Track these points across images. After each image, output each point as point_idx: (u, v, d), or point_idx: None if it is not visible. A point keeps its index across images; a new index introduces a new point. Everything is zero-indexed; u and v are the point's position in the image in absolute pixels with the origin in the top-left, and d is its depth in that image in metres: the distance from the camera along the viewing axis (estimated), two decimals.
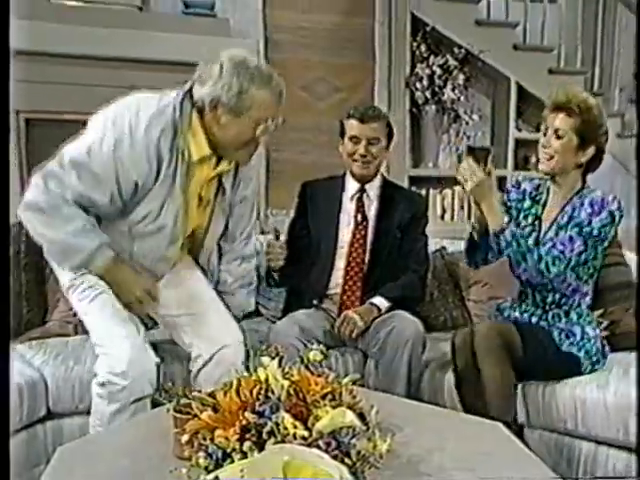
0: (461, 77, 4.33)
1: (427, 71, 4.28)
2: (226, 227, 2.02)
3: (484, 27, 4.36)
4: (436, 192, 4.38)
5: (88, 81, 3.48)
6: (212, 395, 1.38)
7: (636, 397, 1.85)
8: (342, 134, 2.41)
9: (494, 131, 4.66)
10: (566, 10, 4.69)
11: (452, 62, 4.30)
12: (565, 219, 2.04)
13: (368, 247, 2.38)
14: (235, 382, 1.29)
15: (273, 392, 1.25)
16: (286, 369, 1.39)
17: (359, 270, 2.36)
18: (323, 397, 1.29)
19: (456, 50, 4.32)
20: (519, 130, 4.56)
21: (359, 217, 2.41)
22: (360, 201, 2.43)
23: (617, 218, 1.99)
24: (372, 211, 2.43)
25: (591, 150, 2.00)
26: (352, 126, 2.35)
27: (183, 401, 1.38)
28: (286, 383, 1.25)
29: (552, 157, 2.00)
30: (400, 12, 4.18)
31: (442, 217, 4.35)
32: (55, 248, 1.74)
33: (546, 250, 1.99)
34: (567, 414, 1.99)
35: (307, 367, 1.45)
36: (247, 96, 1.67)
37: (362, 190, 2.44)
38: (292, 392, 1.29)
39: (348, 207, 2.44)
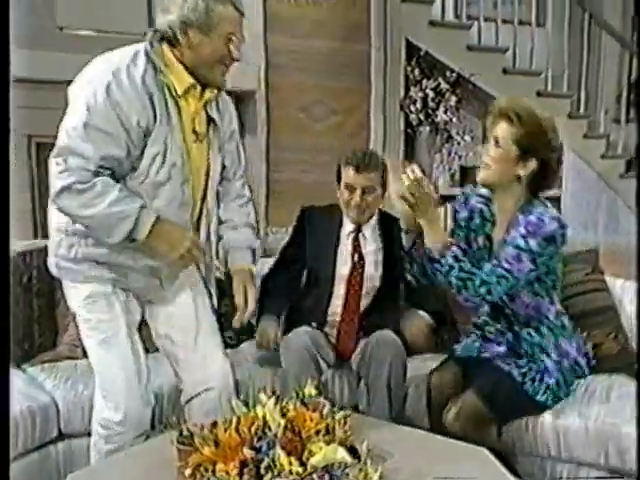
0: (453, 99, 4.39)
1: (420, 94, 4.34)
2: (223, 168, 1.99)
3: (475, 52, 4.41)
4: None
5: None
6: (214, 424, 1.43)
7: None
8: (339, 179, 2.39)
9: None
10: (553, 35, 4.75)
11: (444, 85, 4.35)
12: (508, 237, 1.90)
13: (366, 284, 2.38)
14: (235, 419, 1.33)
15: (270, 429, 1.29)
16: (284, 403, 1.44)
17: (357, 305, 2.38)
18: (317, 432, 1.33)
19: (448, 74, 4.37)
20: None
21: (356, 257, 2.39)
22: (356, 240, 2.41)
23: (559, 236, 1.84)
24: (368, 249, 2.41)
25: (532, 163, 1.84)
26: (348, 174, 2.32)
27: (185, 434, 1.42)
28: (282, 421, 1.30)
29: (489, 166, 1.87)
30: (395, 38, 4.23)
31: None
32: (99, 224, 1.67)
33: (488, 270, 1.84)
34: (550, 442, 2.01)
35: (303, 402, 1.51)
36: (214, 13, 1.68)
37: (358, 230, 2.42)
38: (289, 427, 1.34)
39: (345, 243, 2.42)
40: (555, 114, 4.48)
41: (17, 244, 2.58)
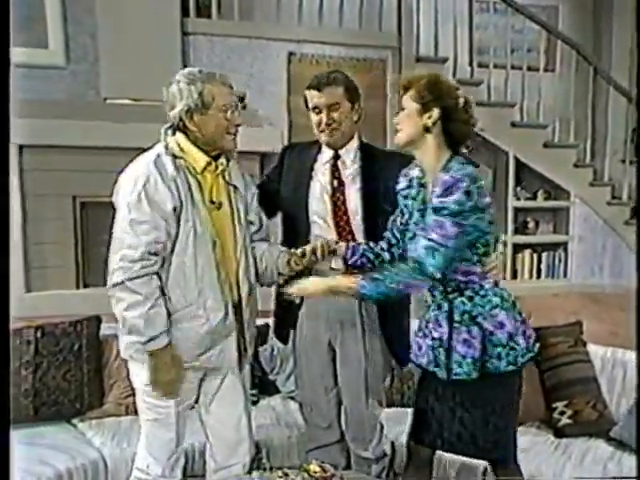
0: (464, 151, 4.66)
1: None
2: (258, 227, 2.22)
3: (485, 107, 4.67)
4: None
5: None
6: None
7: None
8: (307, 106, 2.33)
9: (495, 199, 4.97)
10: (559, 85, 5.00)
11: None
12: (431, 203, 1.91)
13: (352, 211, 2.26)
14: None
15: None
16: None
17: (351, 238, 2.25)
18: None
19: None
20: (518, 199, 4.88)
21: (335, 183, 2.29)
22: (334, 167, 2.30)
23: (474, 191, 1.81)
24: (349, 175, 2.30)
25: (435, 112, 1.91)
26: (311, 97, 2.27)
27: None
28: None
29: (399, 128, 1.96)
30: None
31: None
32: (134, 323, 1.95)
33: (420, 246, 1.86)
34: None
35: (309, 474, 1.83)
36: (206, 92, 1.99)
37: (336, 156, 2.30)
38: None
39: (322, 172, 2.31)
40: (562, 164, 4.77)
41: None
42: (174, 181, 1.98)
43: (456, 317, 1.94)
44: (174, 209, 1.97)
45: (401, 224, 2.08)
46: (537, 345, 2.00)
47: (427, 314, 2.04)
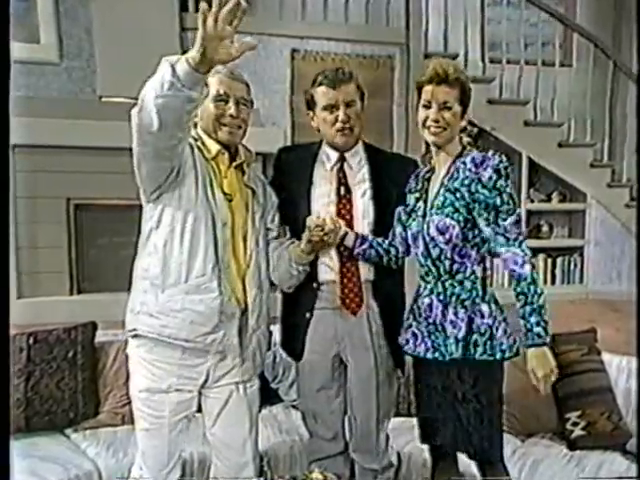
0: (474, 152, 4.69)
1: None
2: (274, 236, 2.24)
3: (496, 105, 4.72)
4: None
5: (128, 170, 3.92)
6: None
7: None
8: (312, 105, 2.27)
9: None
10: (576, 81, 5.03)
11: (466, 139, 4.64)
12: (451, 180, 2.03)
13: (358, 219, 2.24)
14: None
15: None
16: None
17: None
18: None
19: (469, 127, 4.68)
20: (531, 201, 4.91)
21: (342, 190, 2.26)
22: (341, 171, 2.28)
23: (503, 170, 1.96)
24: (357, 180, 2.28)
25: (466, 114, 2.07)
26: (324, 94, 2.21)
27: None
28: None
29: (445, 129, 2.01)
30: (416, 94, 4.55)
31: None
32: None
33: (435, 212, 2.03)
34: None
35: None
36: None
37: (342, 159, 2.28)
38: None
39: (328, 177, 2.28)
40: (578, 164, 4.78)
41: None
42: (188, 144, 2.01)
43: (446, 299, 2.07)
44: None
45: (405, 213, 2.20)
46: (517, 347, 2.07)
47: (419, 300, 2.16)
